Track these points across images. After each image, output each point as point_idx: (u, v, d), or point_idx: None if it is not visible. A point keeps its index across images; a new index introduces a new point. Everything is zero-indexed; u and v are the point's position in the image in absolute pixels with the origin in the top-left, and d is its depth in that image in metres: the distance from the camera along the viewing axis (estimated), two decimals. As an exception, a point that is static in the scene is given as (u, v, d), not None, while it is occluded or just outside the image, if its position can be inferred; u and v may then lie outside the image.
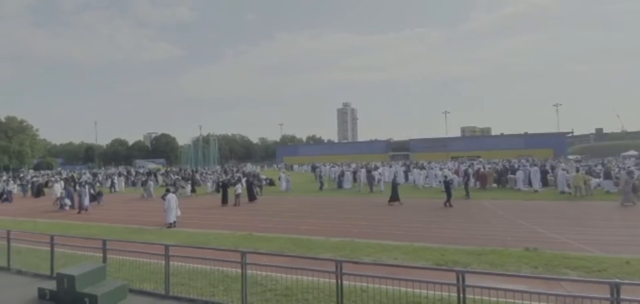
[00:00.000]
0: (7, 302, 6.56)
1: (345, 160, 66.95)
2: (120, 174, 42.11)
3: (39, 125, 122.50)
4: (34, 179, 35.99)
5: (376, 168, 35.01)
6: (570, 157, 61.56)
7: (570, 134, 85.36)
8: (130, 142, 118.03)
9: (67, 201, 20.08)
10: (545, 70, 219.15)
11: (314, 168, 48.63)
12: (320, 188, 26.97)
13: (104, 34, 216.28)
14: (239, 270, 6.05)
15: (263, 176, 34.74)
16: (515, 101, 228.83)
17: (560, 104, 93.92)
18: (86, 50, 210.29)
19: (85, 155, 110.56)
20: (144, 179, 33.99)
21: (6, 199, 25.36)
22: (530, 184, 23.31)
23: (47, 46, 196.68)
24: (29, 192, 29.41)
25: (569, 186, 20.96)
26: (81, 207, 19.31)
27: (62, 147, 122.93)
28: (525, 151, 68.62)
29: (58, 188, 22.99)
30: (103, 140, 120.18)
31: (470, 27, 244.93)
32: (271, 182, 31.59)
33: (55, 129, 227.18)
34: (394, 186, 18.80)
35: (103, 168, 75.11)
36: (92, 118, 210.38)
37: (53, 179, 35.65)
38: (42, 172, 61.13)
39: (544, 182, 23.65)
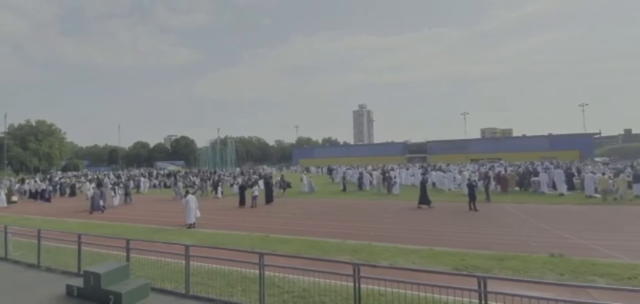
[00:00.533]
0: (37, 298, 6.85)
1: (362, 162, 66.65)
2: (143, 175, 43.42)
3: (66, 128, 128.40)
4: (62, 180, 37.52)
5: (392, 169, 34.68)
6: (597, 159, 59.10)
7: (597, 135, 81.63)
8: (152, 145, 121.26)
9: (101, 202, 20.88)
10: (571, 69, 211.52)
11: (330, 170, 48.64)
12: (344, 189, 26.77)
13: (127, 41, 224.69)
14: (257, 271, 6.12)
15: (279, 178, 34.99)
16: (539, 101, 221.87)
17: (587, 104, 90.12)
18: (110, 56, 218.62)
19: (109, 157, 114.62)
20: (173, 180, 34.83)
21: (47, 199, 26.50)
22: (554, 187, 22.48)
23: (73, 53, 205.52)
24: (58, 193, 30.74)
25: (596, 189, 20.10)
26: (96, 209, 19.80)
27: (88, 149, 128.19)
28: (550, 153, 66.36)
29: (91, 189, 23.85)
30: (126, 143, 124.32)
31: (490, 26, 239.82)
32: (288, 184, 31.82)
33: (81, 132, 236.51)
34: (423, 187, 18.25)
35: (126, 170, 77.60)
36: (116, 122, 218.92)
37: (82, 180, 37.16)
38: (70, 173, 63.71)
39: (570, 186, 22.71)
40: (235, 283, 6.91)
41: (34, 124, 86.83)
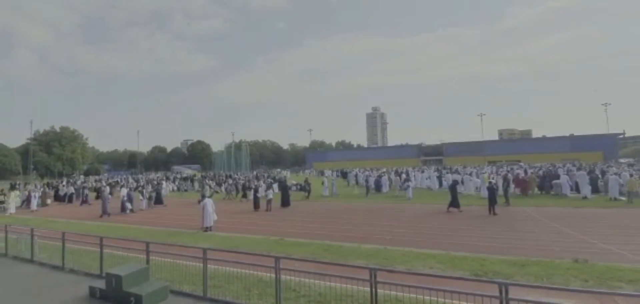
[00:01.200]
0: (61, 299, 7.09)
1: (376, 165, 66.05)
2: (163, 179, 44.31)
3: (88, 134, 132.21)
4: (85, 184, 38.63)
5: (405, 172, 34.30)
6: (621, 160, 56.84)
7: (621, 136, 78.37)
8: (169, 149, 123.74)
9: (128, 205, 21.47)
10: (592, 67, 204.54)
11: (343, 174, 48.50)
12: (367, 193, 26.68)
13: (146, 48, 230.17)
14: (273, 275, 6.15)
15: (293, 182, 35.03)
16: (559, 101, 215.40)
17: (610, 104, 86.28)
18: (130, 63, 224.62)
19: (128, 161, 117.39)
20: (200, 183, 35.46)
21: (84, 201, 27.53)
22: (577, 190, 21.70)
23: (95, 61, 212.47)
24: (81, 197, 31.80)
25: (621, 192, 19.32)
26: (104, 213, 20.09)
27: (108, 154, 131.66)
28: (571, 154, 64.18)
29: (123, 192, 24.49)
30: (144, 147, 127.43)
31: (508, 25, 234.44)
32: (302, 188, 31.96)
33: (102, 137, 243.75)
34: (453, 190, 17.58)
35: (144, 173, 79.38)
36: (135, 127, 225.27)
37: (103, 184, 38.29)
38: (92, 177, 65.47)
39: (594, 188, 21.83)
40: (252, 286, 6.96)
41: (58, 130, 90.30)
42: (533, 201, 19.77)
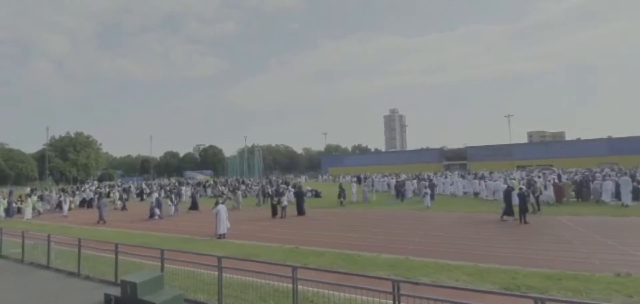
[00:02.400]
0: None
1: (395, 170, 64.85)
2: (180, 184, 44.86)
3: (101, 139, 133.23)
4: (100, 190, 38.50)
5: (427, 178, 33.30)
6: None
7: (664, 137, 73.37)
8: (181, 154, 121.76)
9: (157, 211, 21.71)
10: (631, 63, 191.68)
11: (359, 179, 47.75)
12: (401, 200, 26.15)
13: (159, 53, 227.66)
14: (289, 285, 5.93)
15: (309, 188, 34.54)
16: (595, 100, 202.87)
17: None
18: (144, 69, 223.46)
19: (141, 167, 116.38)
20: (233, 188, 35.23)
21: (123, 207, 28.15)
22: (617, 197, 20.22)
23: (110, 67, 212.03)
24: (96, 201, 32.65)
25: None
26: (101, 219, 20.34)
27: (122, 160, 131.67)
28: (609, 158, 60.38)
29: (153, 198, 24.68)
30: (157, 152, 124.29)
31: (537, 19, 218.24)
32: (317, 194, 31.69)
33: (116, 142, 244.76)
34: (508, 196, 16.29)
35: (156, 179, 79.98)
36: (148, 132, 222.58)
37: (115, 190, 38.94)
38: (105, 183, 65.24)
39: (635, 195, 20.22)
40: (268, 296, 6.72)
41: (72, 135, 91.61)
42: (568, 209, 18.59)
